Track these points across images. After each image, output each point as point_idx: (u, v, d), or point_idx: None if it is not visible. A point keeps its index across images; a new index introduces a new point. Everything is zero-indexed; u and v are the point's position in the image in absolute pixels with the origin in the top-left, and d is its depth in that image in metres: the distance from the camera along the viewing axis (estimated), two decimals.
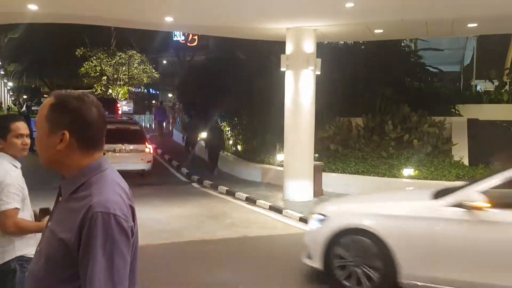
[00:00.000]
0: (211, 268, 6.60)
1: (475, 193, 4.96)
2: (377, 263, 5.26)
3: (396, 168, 11.70)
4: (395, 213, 5.43)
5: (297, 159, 10.96)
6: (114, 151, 13.04)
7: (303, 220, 9.24)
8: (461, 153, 12.40)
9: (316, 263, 5.74)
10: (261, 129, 14.89)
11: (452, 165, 11.77)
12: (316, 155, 11.52)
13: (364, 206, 6.00)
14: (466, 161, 12.23)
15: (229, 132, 17.05)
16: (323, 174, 11.60)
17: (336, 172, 12.05)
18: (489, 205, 4.86)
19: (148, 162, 13.70)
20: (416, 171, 11.39)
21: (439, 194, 5.44)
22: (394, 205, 5.73)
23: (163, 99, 44.78)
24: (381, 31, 11.24)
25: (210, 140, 14.96)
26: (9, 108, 31.66)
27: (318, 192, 11.25)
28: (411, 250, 5.15)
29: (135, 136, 13.92)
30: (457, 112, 14.71)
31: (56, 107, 1.75)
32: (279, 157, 12.77)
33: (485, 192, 4.93)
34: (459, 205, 4.98)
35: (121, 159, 12.99)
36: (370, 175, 11.65)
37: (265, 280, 6.18)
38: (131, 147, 13.53)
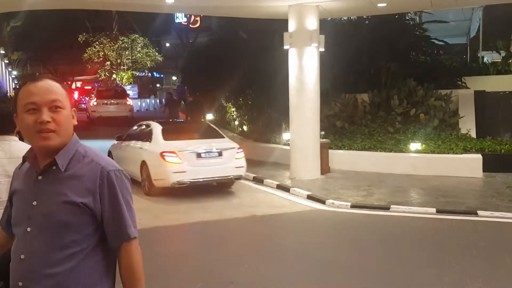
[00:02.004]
0: (220, 248, 6.64)
1: None
2: None
3: (403, 143, 11.65)
4: None
5: (303, 138, 10.94)
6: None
7: (311, 198, 9.27)
8: (468, 125, 12.31)
9: None
10: (267, 108, 14.84)
11: (460, 138, 11.70)
12: (322, 132, 11.48)
13: None
14: (473, 134, 12.15)
15: (235, 112, 17.01)
16: (330, 151, 11.59)
17: (342, 149, 12.03)
18: None
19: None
20: (423, 145, 11.34)
21: None
22: None
23: (167, 83, 44.71)
24: (384, 4, 11.07)
25: (191, 111, 17.77)
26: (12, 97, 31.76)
27: (325, 169, 11.25)
28: None
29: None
30: (463, 84, 14.56)
31: (65, 87, 1.96)
32: (285, 136, 12.75)
33: None
34: None
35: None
36: (377, 151, 11.62)
37: (275, 258, 6.22)
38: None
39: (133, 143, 10.62)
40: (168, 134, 9.87)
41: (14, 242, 1.98)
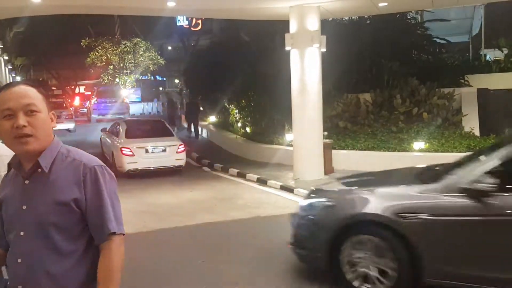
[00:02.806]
0: (225, 249, 6.66)
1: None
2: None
3: (406, 142, 11.64)
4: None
5: (306, 138, 10.95)
6: None
7: None
8: (471, 123, 12.29)
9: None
10: (269, 110, 14.86)
11: (463, 136, 11.69)
12: (325, 133, 11.49)
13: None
14: (477, 132, 12.13)
15: (237, 114, 17.04)
16: (333, 151, 11.60)
17: (346, 149, 12.04)
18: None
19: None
20: (427, 144, 11.33)
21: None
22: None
23: (169, 86, 44.78)
24: (385, 4, 11.08)
25: (189, 113, 20.35)
26: None
27: (328, 170, 11.25)
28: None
29: None
30: (466, 82, 14.53)
31: (41, 91, 1.98)
32: (288, 137, 12.77)
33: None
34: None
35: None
36: (380, 151, 11.62)
37: (280, 258, 6.23)
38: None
39: (111, 137, 13.49)
40: (129, 133, 12.64)
41: (9, 249, 1.99)
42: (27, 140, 1.88)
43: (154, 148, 12.16)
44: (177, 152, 12.29)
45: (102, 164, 2.04)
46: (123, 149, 11.90)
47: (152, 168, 12.10)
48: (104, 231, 1.96)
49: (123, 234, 2.02)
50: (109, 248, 1.96)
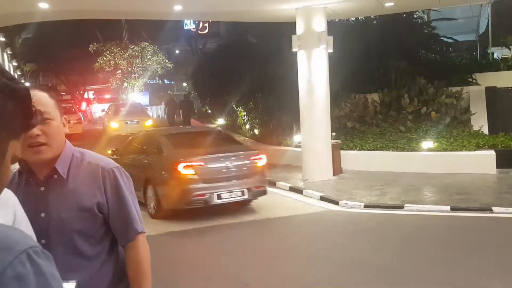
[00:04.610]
0: (235, 251, 6.69)
1: None
2: None
3: (415, 141, 11.62)
4: None
5: (314, 139, 10.96)
6: None
7: (324, 199, 9.28)
8: (480, 122, 12.24)
9: None
10: (277, 111, 14.89)
11: (472, 135, 11.65)
12: (334, 133, 11.49)
13: None
14: (486, 130, 12.09)
15: (245, 116, 17.08)
16: (342, 152, 11.59)
17: (354, 150, 12.03)
18: None
19: None
20: (436, 143, 11.30)
21: None
22: None
23: (178, 89, 44.88)
24: (392, 4, 11.08)
25: (183, 109, 23.11)
26: None
27: (337, 170, 11.25)
28: None
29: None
30: (474, 81, 14.49)
31: (53, 96, 1.94)
32: (297, 138, 12.78)
33: None
34: None
35: None
36: (389, 150, 11.60)
37: (290, 259, 6.25)
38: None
39: None
40: None
41: None
42: (41, 149, 1.84)
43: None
44: None
45: (118, 165, 2.04)
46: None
47: None
48: (130, 232, 1.99)
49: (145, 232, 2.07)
50: (136, 247, 2.00)
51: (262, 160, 8.65)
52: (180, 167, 7.77)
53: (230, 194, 8.09)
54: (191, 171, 7.81)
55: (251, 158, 8.54)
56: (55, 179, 1.92)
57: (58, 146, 1.92)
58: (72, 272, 1.88)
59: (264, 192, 8.66)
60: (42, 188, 1.92)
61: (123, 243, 2.01)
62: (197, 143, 8.72)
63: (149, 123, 21.40)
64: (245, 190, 8.22)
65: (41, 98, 1.87)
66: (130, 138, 10.63)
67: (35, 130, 1.81)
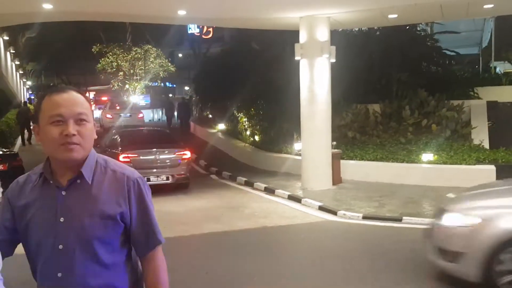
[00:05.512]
0: (231, 260, 6.65)
1: None
2: None
3: (415, 153, 11.60)
4: None
5: (314, 148, 10.95)
6: None
7: (323, 208, 9.26)
8: (481, 136, 12.23)
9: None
10: (278, 119, 14.89)
11: (472, 148, 11.63)
12: (334, 142, 11.49)
13: None
14: (486, 145, 12.07)
15: (246, 122, 17.08)
16: (342, 161, 11.58)
17: (354, 160, 12.02)
18: None
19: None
20: (436, 156, 11.29)
21: None
22: None
23: (179, 92, 44.92)
24: (395, 16, 11.10)
25: (180, 112, 25.71)
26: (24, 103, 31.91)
27: (336, 180, 11.23)
28: None
29: None
30: (476, 95, 14.49)
31: (88, 100, 1.96)
32: (297, 146, 12.77)
33: None
34: None
35: None
36: (388, 162, 11.59)
37: (286, 269, 6.22)
38: None
39: None
40: None
41: (43, 262, 1.90)
42: (74, 147, 1.83)
43: None
44: None
45: (140, 175, 2.03)
46: None
47: None
48: (152, 242, 1.99)
49: None
50: (155, 258, 2.00)
51: (186, 155, 11.39)
52: (121, 157, 10.46)
53: (157, 178, 10.87)
54: (127, 161, 10.45)
55: (176, 153, 11.28)
56: (79, 184, 1.89)
57: (88, 149, 1.91)
58: (88, 281, 1.88)
59: (186, 179, 11.34)
60: (64, 192, 1.88)
61: (142, 253, 2.00)
62: (139, 140, 11.82)
63: (140, 116, 25.63)
64: (170, 177, 11.01)
65: (79, 99, 1.89)
66: (113, 131, 13.44)
67: (72, 130, 1.82)
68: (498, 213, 5.11)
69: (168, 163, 11.11)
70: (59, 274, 1.87)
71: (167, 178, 11.00)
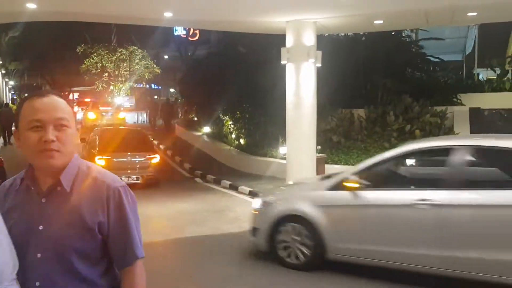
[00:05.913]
0: (215, 263, 6.62)
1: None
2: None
3: None
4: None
5: (299, 152, 10.97)
6: None
7: None
8: None
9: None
10: (264, 122, 14.90)
11: None
12: (319, 147, 11.52)
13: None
14: None
15: (232, 125, 17.05)
16: (326, 166, 11.61)
17: (339, 164, 12.06)
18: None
19: None
20: None
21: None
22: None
23: (165, 94, 44.74)
24: (381, 22, 11.19)
25: (162, 112, 26.54)
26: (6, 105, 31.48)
27: None
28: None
29: None
30: (459, 101, 14.66)
31: (70, 104, 1.89)
32: (282, 150, 12.78)
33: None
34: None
35: None
36: None
37: (273, 272, 6.20)
38: None
39: None
40: None
41: (22, 270, 1.82)
42: (53, 154, 1.77)
43: None
44: None
45: (125, 184, 1.94)
46: None
47: None
48: (130, 257, 1.89)
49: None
50: (133, 272, 1.90)
51: (156, 159, 12.37)
52: (96, 159, 11.40)
53: (127, 178, 11.58)
54: (102, 162, 11.40)
55: (147, 156, 12.22)
56: (58, 191, 1.83)
57: (69, 155, 1.85)
58: None
59: (155, 179, 12.21)
60: (43, 200, 1.83)
61: (120, 266, 1.92)
62: (114, 142, 12.29)
63: (121, 115, 26.14)
64: (140, 177, 11.86)
65: (60, 104, 1.82)
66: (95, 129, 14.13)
67: (51, 136, 1.76)
68: (280, 199, 6.75)
69: (140, 165, 12.08)
70: (37, 283, 1.80)
71: (137, 179, 11.80)
